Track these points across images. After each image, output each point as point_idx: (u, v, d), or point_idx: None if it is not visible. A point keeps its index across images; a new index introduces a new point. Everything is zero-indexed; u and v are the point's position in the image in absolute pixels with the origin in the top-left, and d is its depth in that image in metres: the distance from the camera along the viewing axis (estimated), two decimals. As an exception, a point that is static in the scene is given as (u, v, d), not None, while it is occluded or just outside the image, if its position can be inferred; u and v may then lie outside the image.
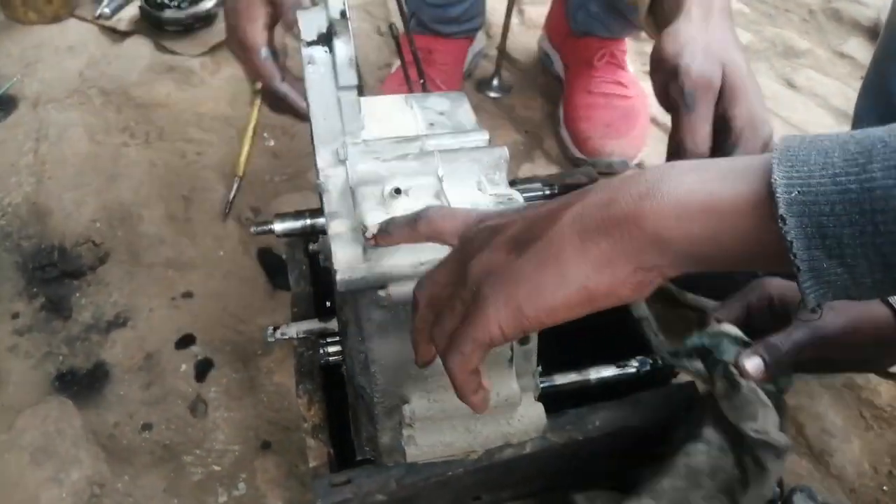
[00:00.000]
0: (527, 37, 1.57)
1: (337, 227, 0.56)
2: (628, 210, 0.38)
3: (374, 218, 0.55)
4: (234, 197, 1.19)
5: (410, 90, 0.92)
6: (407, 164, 0.60)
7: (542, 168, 1.28)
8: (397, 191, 0.56)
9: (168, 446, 0.90)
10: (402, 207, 0.57)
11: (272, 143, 1.32)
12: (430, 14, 1.31)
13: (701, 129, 0.61)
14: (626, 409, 0.72)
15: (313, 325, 0.64)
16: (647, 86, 1.34)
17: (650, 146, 1.30)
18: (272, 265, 1.09)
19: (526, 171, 1.28)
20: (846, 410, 0.98)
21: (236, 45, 0.81)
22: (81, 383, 0.95)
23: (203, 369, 0.97)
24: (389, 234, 0.50)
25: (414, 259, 0.53)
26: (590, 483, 0.85)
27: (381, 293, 0.52)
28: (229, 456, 0.89)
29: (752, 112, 0.63)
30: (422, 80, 0.97)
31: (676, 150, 0.61)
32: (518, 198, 0.57)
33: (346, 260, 0.54)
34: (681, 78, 0.61)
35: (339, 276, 0.52)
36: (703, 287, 1.03)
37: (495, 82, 1.42)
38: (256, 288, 1.07)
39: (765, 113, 0.64)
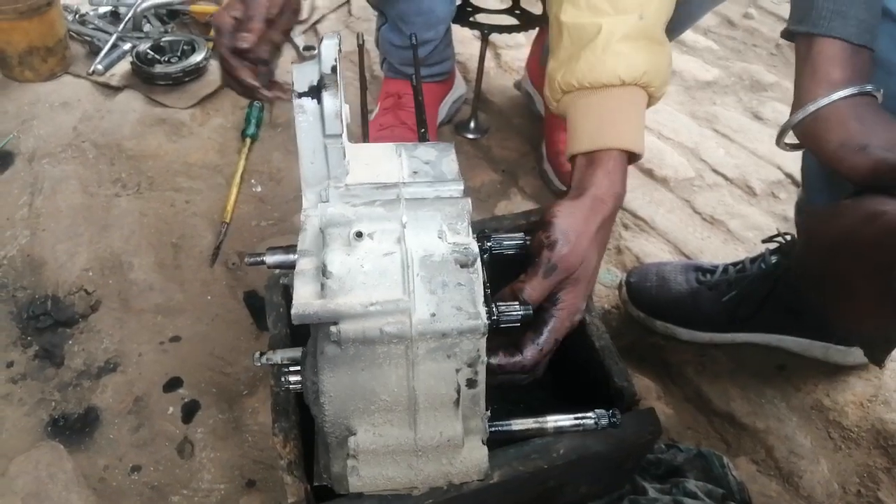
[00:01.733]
0: (503, 79, 1.63)
1: (303, 265, 0.61)
2: None
3: (334, 259, 0.59)
4: (221, 242, 1.24)
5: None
6: (374, 210, 0.65)
7: (519, 205, 1.33)
8: (359, 234, 0.60)
9: (157, 487, 0.93)
10: (364, 250, 0.61)
11: (259, 188, 1.37)
12: (398, 57, 1.37)
13: (540, 293, 0.70)
14: (590, 437, 0.75)
15: (296, 353, 0.67)
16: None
17: (628, 181, 1.34)
18: (257, 307, 1.13)
19: (503, 208, 1.32)
20: (814, 432, 1.01)
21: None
22: (73, 428, 0.99)
23: (190, 411, 1.00)
24: None
25: (365, 299, 0.57)
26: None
27: (333, 329, 0.56)
28: (216, 495, 0.92)
29: (576, 303, 0.73)
30: (422, 130, 1.02)
31: (514, 294, 0.70)
32: (474, 248, 0.61)
33: (303, 295, 0.58)
34: (555, 252, 0.71)
35: (293, 311, 0.56)
36: (670, 314, 1.07)
37: (472, 124, 1.48)
38: (242, 330, 1.11)
39: (582, 305, 0.74)
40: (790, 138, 0.74)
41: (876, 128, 0.69)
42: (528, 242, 0.76)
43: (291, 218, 1.30)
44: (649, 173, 1.38)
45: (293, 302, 0.57)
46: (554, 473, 0.77)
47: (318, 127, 0.70)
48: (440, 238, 0.63)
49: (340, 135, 0.70)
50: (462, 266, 0.60)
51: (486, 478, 0.63)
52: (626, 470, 0.87)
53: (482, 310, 0.58)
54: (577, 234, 0.72)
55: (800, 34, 0.72)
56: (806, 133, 0.73)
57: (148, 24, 1.78)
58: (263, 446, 0.96)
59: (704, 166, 1.40)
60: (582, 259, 0.73)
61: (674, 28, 1.05)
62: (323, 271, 0.59)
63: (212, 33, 1.44)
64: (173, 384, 1.03)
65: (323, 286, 0.58)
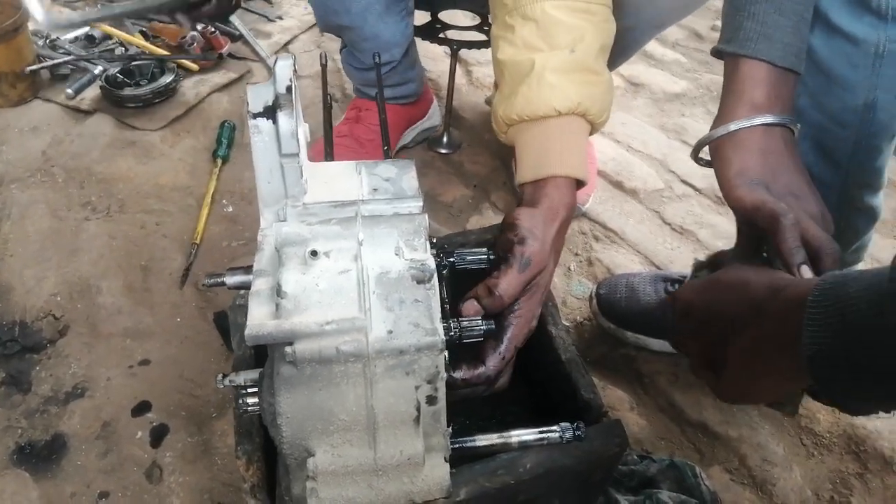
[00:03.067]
0: (475, 96, 1.64)
1: (259, 285, 0.60)
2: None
3: (289, 278, 0.59)
4: (191, 264, 1.23)
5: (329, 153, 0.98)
6: (329, 228, 0.65)
7: (491, 219, 1.33)
8: (314, 253, 0.60)
9: (124, 514, 0.91)
10: (320, 269, 0.61)
11: (230, 209, 1.37)
12: (358, 78, 1.39)
13: (516, 287, 0.71)
14: (556, 451, 0.75)
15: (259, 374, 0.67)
16: (592, 138, 1.41)
17: (598, 193, 1.36)
18: (227, 329, 1.12)
19: (474, 223, 1.33)
20: (787, 439, 1.02)
21: None
22: (40, 455, 0.97)
23: (159, 435, 0.99)
24: None
25: (321, 318, 0.56)
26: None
27: (288, 350, 0.55)
28: (185, 519, 0.90)
29: (533, 310, 0.74)
30: (385, 147, 1.03)
31: (488, 290, 0.70)
32: (430, 264, 0.61)
33: (257, 316, 0.57)
34: (527, 246, 0.72)
35: (247, 332, 0.56)
36: (640, 325, 1.07)
37: (445, 139, 1.49)
38: (212, 352, 1.10)
39: (538, 311, 0.76)
40: (705, 153, 0.76)
41: (778, 168, 0.71)
42: (491, 257, 0.76)
43: (263, 237, 1.29)
44: (619, 185, 1.39)
45: (247, 323, 0.57)
46: (522, 488, 0.77)
47: (275, 147, 0.70)
48: (397, 255, 0.63)
49: (297, 154, 0.70)
50: (419, 282, 0.60)
51: (449, 495, 0.63)
52: (597, 482, 0.87)
53: (440, 326, 0.58)
54: (541, 234, 0.74)
55: (727, 54, 0.74)
56: (715, 152, 0.74)
57: (120, 48, 1.78)
58: (233, 469, 0.95)
59: (673, 177, 1.41)
60: (547, 259, 0.75)
61: (620, 53, 1.07)
62: (277, 291, 0.58)
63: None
64: (142, 408, 1.02)
65: (278, 306, 0.58)
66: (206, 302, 1.17)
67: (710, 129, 0.73)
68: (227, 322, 1.13)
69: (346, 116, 1.43)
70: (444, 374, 0.59)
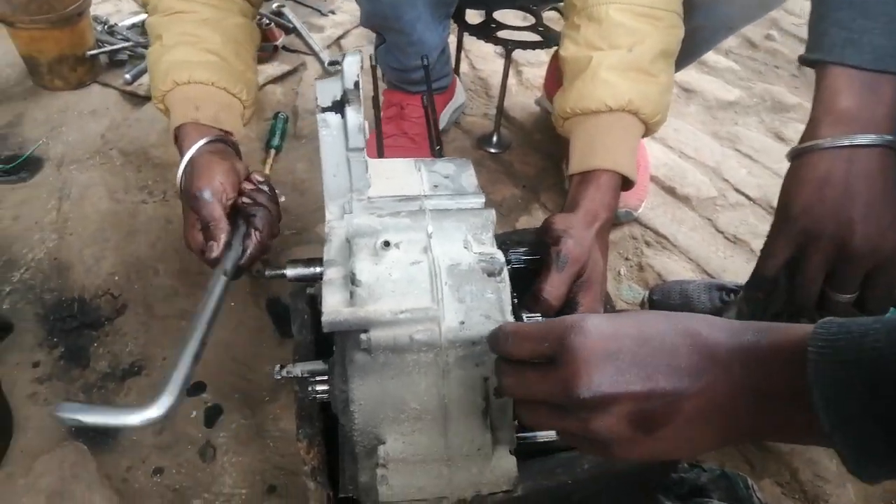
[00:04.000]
0: (524, 96, 1.64)
1: (331, 274, 0.61)
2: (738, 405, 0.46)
3: (362, 267, 0.60)
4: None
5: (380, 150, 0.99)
6: (400, 220, 0.66)
7: (540, 220, 1.32)
8: (386, 244, 0.61)
9: (178, 490, 0.93)
10: (392, 259, 0.62)
11: (283, 199, 1.39)
12: (395, 76, 1.41)
13: (560, 287, 0.71)
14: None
15: (317, 366, 0.68)
16: (645, 141, 1.41)
17: (650, 199, 1.35)
18: (280, 315, 1.14)
19: (524, 223, 1.33)
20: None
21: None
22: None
23: (213, 415, 1.01)
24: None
25: (395, 307, 0.57)
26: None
27: (363, 337, 0.57)
28: (236, 499, 0.92)
29: (595, 305, 0.74)
30: (438, 147, 1.05)
31: (535, 297, 0.71)
32: (499, 257, 0.62)
33: (332, 303, 0.59)
34: (561, 245, 0.73)
35: (323, 318, 0.57)
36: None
37: (495, 139, 1.49)
38: (265, 337, 1.12)
39: (600, 308, 0.75)
40: None
41: (871, 202, 0.68)
42: (536, 257, 0.78)
43: (315, 228, 1.31)
44: (671, 191, 1.38)
45: (323, 310, 0.58)
46: (578, 488, 0.77)
47: (342, 141, 0.72)
48: (465, 248, 0.64)
49: (363, 148, 0.71)
50: (489, 275, 0.61)
51: (515, 487, 0.63)
52: (650, 488, 0.87)
53: (511, 318, 0.59)
54: (577, 231, 0.75)
55: (812, 61, 0.73)
56: (794, 167, 0.73)
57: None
58: (285, 452, 0.96)
59: (727, 185, 1.40)
60: (588, 253, 0.75)
61: (689, 53, 1.07)
62: (352, 279, 0.60)
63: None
64: (196, 389, 1.04)
65: (352, 294, 0.59)
66: (258, 288, 1.19)
67: (799, 142, 0.73)
68: (280, 309, 1.15)
69: (386, 114, 1.44)
70: (513, 367, 0.60)
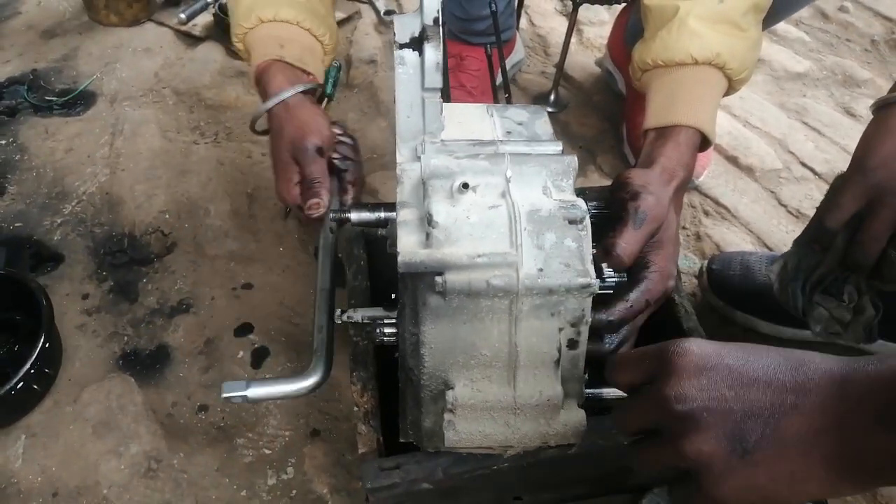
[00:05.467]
0: (584, 56, 1.59)
1: (405, 216, 0.59)
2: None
3: (439, 209, 0.57)
4: (295, 196, 1.23)
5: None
6: (477, 163, 0.63)
7: (597, 183, 1.30)
8: (465, 186, 0.58)
9: (222, 428, 0.93)
10: (469, 202, 0.59)
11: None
12: (458, 26, 1.36)
13: (634, 245, 0.67)
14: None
15: (377, 312, 0.66)
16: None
17: (711, 167, 1.30)
18: (329, 263, 1.13)
19: (579, 185, 1.29)
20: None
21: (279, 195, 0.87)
22: (144, 363, 1.00)
23: (259, 357, 1.00)
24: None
25: (472, 250, 0.55)
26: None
27: (438, 279, 0.54)
28: (280, 441, 0.92)
29: (667, 266, 0.70)
30: (507, 95, 1.02)
31: (606, 252, 0.67)
32: (581, 205, 0.59)
33: (409, 244, 0.56)
34: (640, 201, 0.69)
35: (400, 259, 0.55)
36: (751, 305, 1.03)
37: (552, 97, 1.45)
38: (311, 284, 1.10)
39: (674, 270, 0.71)
40: None
41: None
42: (605, 212, 0.74)
43: (366, 177, 1.29)
44: (734, 161, 1.33)
45: (399, 250, 0.56)
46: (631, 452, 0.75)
47: (417, 80, 0.69)
48: (545, 194, 0.61)
49: (439, 88, 0.68)
50: (570, 222, 0.58)
51: (581, 441, 0.62)
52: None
53: (591, 268, 0.56)
54: (655, 189, 0.71)
55: None
56: (877, 119, 0.70)
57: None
58: (329, 397, 0.96)
59: (792, 158, 1.35)
60: (666, 212, 0.71)
61: (783, 9, 1.01)
62: (428, 220, 0.57)
63: None
64: (244, 329, 1.04)
65: (428, 235, 0.57)
66: (307, 235, 1.18)
67: (888, 92, 0.69)
68: (330, 256, 1.14)
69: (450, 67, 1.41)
70: (588, 319, 0.57)
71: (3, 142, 1.34)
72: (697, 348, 0.46)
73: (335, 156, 0.87)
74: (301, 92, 0.86)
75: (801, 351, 0.45)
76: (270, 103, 0.85)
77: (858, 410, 0.41)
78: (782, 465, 0.43)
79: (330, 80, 1.48)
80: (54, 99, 1.43)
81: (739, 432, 0.43)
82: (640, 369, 0.49)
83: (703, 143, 0.81)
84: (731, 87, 0.83)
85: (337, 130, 0.89)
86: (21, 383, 0.88)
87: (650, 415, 0.47)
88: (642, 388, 0.49)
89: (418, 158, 0.63)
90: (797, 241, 0.88)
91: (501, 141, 0.68)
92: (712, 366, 0.45)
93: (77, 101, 1.43)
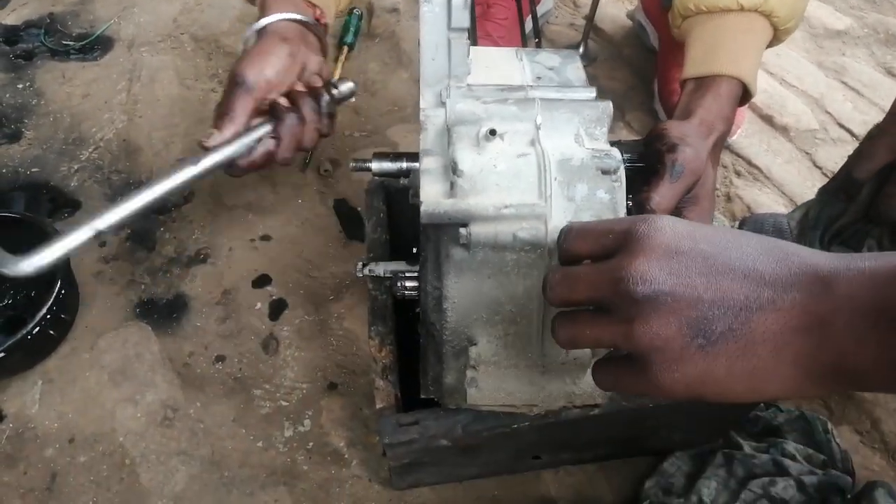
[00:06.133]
0: (615, 9, 1.53)
1: (429, 164, 0.57)
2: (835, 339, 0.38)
3: (464, 157, 0.55)
4: (314, 149, 1.20)
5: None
6: (506, 108, 0.60)
7: (624, 139, 1.26)
8: (492, 132, 0.55)
9: (239, 379, 0.92)
10: (496, 150, 0.56)
11: (353, 99, 1.33)
12: None
13: (670, 199, 0.65)
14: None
15: (400, 266, 0.64)
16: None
17: (744, 126, 1.26)
18: (347, 216, 1.11)
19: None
20: (927, 410, 0.94)
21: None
22: (161, 312, 0.99)
23: (277, 309, 0.99)
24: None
25: (499, 201, 0.52)
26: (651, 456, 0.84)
27: (462, 231, 0.52)
28: (297, 393, 0.91)
29: (703, 222, 0.67)
30: (537, 39, 0.98)
31: (640, 206, 0.64)
32: (616, 154, 0.56)
33: (432, 194, 0.54)
34: (678, 153, 0.65)
35: (423, 209, 0.52)
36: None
37: (581, 51, 1.40)
38: (330, 237, 1.09)
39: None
40: None
41: None
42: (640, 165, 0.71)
43: (385, 130, 1.26)
44: (769, 119, 1.28)
45: (422, 200, 0.53)
46: (654, 414, 0.73)
47: (444, 19, 0.65)
48: (577, 143, 0.58)
49: (466, 29, 0.65)
50: (604, 173, 0.55)
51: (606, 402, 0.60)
52: (727, 423, 0.83)
53: (625, 223, 0.53)
54: (693, 141, 0.68)
55: None
56: None
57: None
58: (347, 352, 0.94)
59: (829, 119, 1.29)
60: (703, 167, 0.69)
61: None
62: (453, 169, 0.55)
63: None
64: (262, 281, 1.02)
65: (453, 185, 0.54)
66: (326, 188, 1.16)
67: None
68: (347, 210, 1.12)
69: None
70: (619, 278, 0.55)
71: (21, 86, 1.32)
72: (671, 228, 0.41)
73: (281, 100, 0.81)
74: (292, 24, 0.81)
75: (788, 242, 0.41)
76: (256, 26, 0.81)
77: (847, 308, 0.37)
78: (745, 361, 0.39)
79: (351, 28, 1.43)
80: (71, 43, 1.40)
81: (704, 322, 0.39)
82: (602, 240, 0.43)
83: (744, 96, 0.77)
84: (776, 38, 0.79)
85: (317, 82, 0.83)
86: (37, 328, 0.88)
87: (602, 289, 0.41)
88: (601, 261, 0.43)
89: (443, 104, 0.60)
90: (822, 189, 0.85)
91: (531, 86, 0.65)
92: (686, 250, 0.40)
93: (94, 45, 1.40)
